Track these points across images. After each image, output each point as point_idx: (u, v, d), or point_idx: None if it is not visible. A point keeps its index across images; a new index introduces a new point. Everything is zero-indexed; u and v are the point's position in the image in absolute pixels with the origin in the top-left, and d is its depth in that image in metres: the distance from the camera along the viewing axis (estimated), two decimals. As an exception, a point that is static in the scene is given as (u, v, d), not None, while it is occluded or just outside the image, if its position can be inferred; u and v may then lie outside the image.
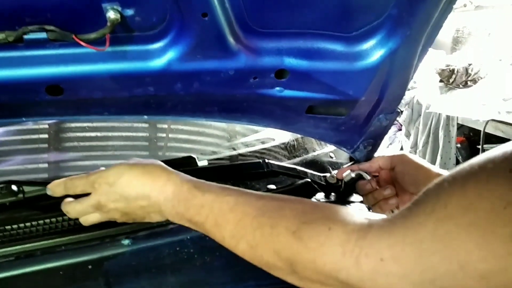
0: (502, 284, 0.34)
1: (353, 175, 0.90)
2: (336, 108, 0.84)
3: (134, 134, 1.44)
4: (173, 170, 0.65)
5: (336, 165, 1.10)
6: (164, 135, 1.45)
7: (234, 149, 1.11)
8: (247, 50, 0.71)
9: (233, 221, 0.55)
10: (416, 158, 0.86)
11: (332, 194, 0.98)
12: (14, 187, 0.74)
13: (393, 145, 3.87)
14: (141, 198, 0.61)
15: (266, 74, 0.75)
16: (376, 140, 0.92)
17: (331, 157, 1.12)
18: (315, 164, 1.08)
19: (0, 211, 0.73)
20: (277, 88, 0.79)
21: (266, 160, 0.93)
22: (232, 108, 0.84)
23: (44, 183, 0.71)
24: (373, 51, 0.73)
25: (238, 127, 1.36)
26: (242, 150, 1.10)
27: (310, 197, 0.96)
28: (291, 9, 0.67)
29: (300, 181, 0.94)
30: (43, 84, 0.65)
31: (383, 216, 0.46)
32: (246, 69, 0.72)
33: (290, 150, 1.16)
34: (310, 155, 1.12)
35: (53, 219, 0.74)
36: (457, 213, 0.36)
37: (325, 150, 1.15)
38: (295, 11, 0.68)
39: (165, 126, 1.43)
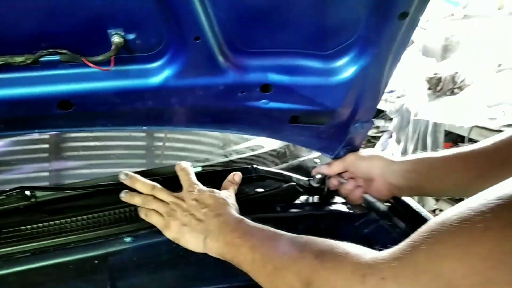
0: None
1: (318, 176, 1.00)
2: (317, 118, 0.93)
3: (132, 143, 1.52)
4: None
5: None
6: (161, 143, 1.52)
7: (226, 156, 1.19)
8: (235, 67, 0.80)
9: (268, 247, 0.65)
10: (364, 152, 0.97)
11: (316, 196, 1.06)
12: (27, 193, 0.82)
13: (385, 151, 3.95)
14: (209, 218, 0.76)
15: (253, 89, 0.84)
16: (354, 146, 1.01)
17: (316, 163, 1.21)
18: (300, 169, 1.17)
19: (15, 214, 0.82)
20: (263, 101, 0.88)
21: (254, 166, 1.02)
22: (223, 119, 0.93)
23: (54, 188, 0.79)
24: (346, 67, 0.82)
25: (231, 136, 1.44)
26: (234, 157, 1.18)
27: (295, 199, 1.04)
28: (274, 31, 0.76)
29: (286, 185, 1.02)
30: (55, 100, 0.74)
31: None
32: (235, 84, 0.81)
33: (278, 156, 1.25)
34: (296, 161, 1.21)
35: (62, 220, 0.82)
36: (451, 245, 0.43)
37: (310, 156, 1.23)
38: (277, 33, 0.77)
39: (162, 135, 1.51)
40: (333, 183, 1.00)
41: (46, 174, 1.39)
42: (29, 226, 0.79)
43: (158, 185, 0.83)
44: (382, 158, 0.93)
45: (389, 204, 1.03)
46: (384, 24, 0.74)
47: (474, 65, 3.18)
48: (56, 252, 0.75)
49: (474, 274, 0.40)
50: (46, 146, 1.44)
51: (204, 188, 0.83)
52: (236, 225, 0.72)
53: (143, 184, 0.81)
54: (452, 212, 0.44)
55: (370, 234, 0.98)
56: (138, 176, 0.82)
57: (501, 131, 2.54)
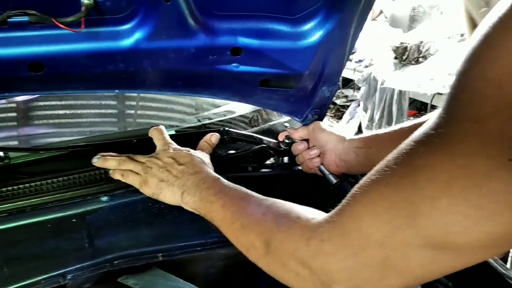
0: (397, 246, 0.46)
1: (286, 140, 1.05)
2: (285, 81, 0.97)
3: (104, 111, 1.51)
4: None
5: (290, 133, 1.23)
6: (133, 111, 1.53)
7: (199, 121, 1.22)
8: (205, 30, 0.81)
9: (237, 207, 0.69)
10: (325, 125, 1.02)
11: (285, 158, 1.11)
12: (0, 154, 0.83)
13: (353, 119, 4.06)
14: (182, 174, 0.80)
15: (223, 52, 0.86)
16: (321, 109, 1.06)
17: (286, 126, 1.26)
18: (271, 132, 1.21)
19: (-12, 176, 0.83)
20: (233, 64, 0.90)
21: (226, 128, 1.05)
22: (195, 83, 0.95)
23: (28, 148, 0.80)
24: (313, 31, 0.85)
25: (203, 102, 1.46)
26: (206, 122, 1.21)
27: (266, 160, 1.09)
28: (243, -5, 0.79)
29: (257, 147, 1.06)
30: (25, 62, 0.74)
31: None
32: (205, 48, 0.83)
33: (250, 121, 1.29)
34: (267, 124, 1.25)
35: (38, 182, 0.83)
36: (364, 202, 0.49)
37: (280, 120, 1.28)
38: (247, -4, 0.79)
39: (134, 103, 1.51)
40: (297, 147, 1.04)
41: (15, 142, 1.38)
42: (3, 188, 0.81)
43: (131, 154, 0.86)
44: (336, 134, 0.98)
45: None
46: (349, -11, 0.78)
47: (439, 35, 3.27)
48: (34, 212, 0.77)
49: (384, 224, 0.46)
50: (14, 114, 1.42)
51: (180, 147, 0.87)
52: (212, 183, 0.76)
53: (117, 157, 0.85)
54: (365, 176, 0.50)
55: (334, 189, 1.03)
56: (109, 154, 0.85)
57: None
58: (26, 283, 0.77)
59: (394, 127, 0.92)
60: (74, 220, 0.79)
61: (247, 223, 0.67)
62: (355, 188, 0.51)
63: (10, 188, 0.81)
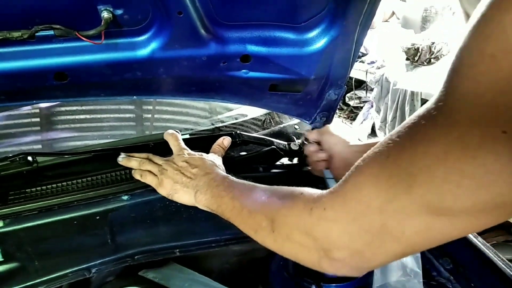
0: (394, 213, 0.49)
1: (305, 142, 1.09)
2: (293, 86, 1.01)
3: (122, 115, 1.58)
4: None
5: (300, 135, 1.28)
6: (149, 115, 1.59)
7: (213, 124, 1.27)
8: (216, 39, 0.87)
9: (245, 196, 0.74)
10: (334, 129, 1.07)
11: (295, 158, 1.16)
12: (29, 158, 0.90)
13: (366, 121, 4.06)
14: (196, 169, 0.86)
15: (233, 59, 0.91)
16: (329, 112, 1.10)
17: (296, 128, 1.30)
18: (281, 134, 1.26)
19: (19, 178, 0.89)
20: (243, 71, 0.95)
21: (238, 132, 1.10)
22: (207, 88, 1.00)
23: (56, 153, 0.87)
24: (318, 38, 0.90)
25: (216, 106, 1.52)
26: (220, 124, 1.26)
27: (276, 161, 1.14)
28: (251, 5, 0.83)
29: (267, 148, 1.11)
30: (51, 72, 0.81)
31: None
32: (216, 55, 0.89)
33: (262, 123, 1.34)
34: (277, 127, 1.30)
35: (64, 183, 0.90)
36: (366, 173, 0.53)
37: (291, 123, 1.32)
38: (254, 6, 0.84)
39: (151, 107, 1.58)
40: (308, 148, 1.08)
41: (39, 146, 1.45)
42: (33, 188, 0.87)
43: (151, 154, 0.92)
44: (342, 139, 1.02)
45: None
46: (351, -2, 0.82)
47: (451, 36, 3.27)
48: (61, 210, 0.83)
49: (383, 192, 0.49)
50: (37, 120, 1.50)
51: (193, 152, 0.92)
52: (222, 181, 0.81)
53: (138, 157, 0.92)
54: (370, 149, 0.54)
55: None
56: (132, 154, 0.93)
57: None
58: (54, 275, 0.84)
59: None
60: (97, 217, 0.85)
61: (254, 207, 0.71)
62: (359, 160, 0.55)
63: (39, 188, 0.88)
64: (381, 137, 1.01)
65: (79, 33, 0.77)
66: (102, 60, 0.83)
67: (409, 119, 0.49)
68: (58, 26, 0.76)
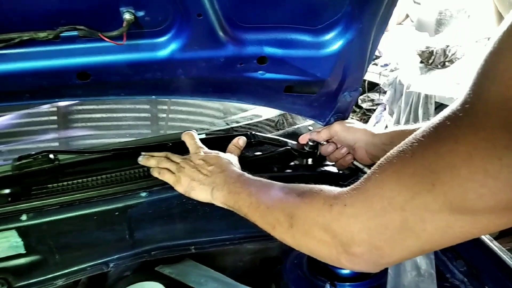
0: (416, 210, 0.50)
1: (310, 142, 1.08)
2: (308, 87, 1.02)
3: (137, 115, 1.61)
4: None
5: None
6: (165, 115, 1.62)
7: (228, 124, 1.29)
8: (234, 41, 0.89)
9: (262, 192, 0.75)
10: (349, 123, 1.06)
11: (309, 159, 1.17)
12: (51, 156, 0.92)
13: (379, 123, 4.05)
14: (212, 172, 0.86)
15: (250, 61, 0.93)
16: (344, 113, 1.11)
17: (310, 130, 1.31)
18: (296, 135, 1.27)
19: (41, 175, 0.92)
20: (260, 72, 0.97)
21: (253, 132, 1.12)
22: (224, 89, 1.02)
23: (76, 151, 0.89)
24: (334, 40, 0.91)
25: (231, 107, 1.54)
26: (235, 125, 1.28)
27: (290, 161, 1.15)
28: (268, 8, 0.85)
29: (281, 149, 1.13)
30: (75, 71, 0.83)
31: None
32: (234, 57, 0.90)
33: (275, 124, 1.35)
34: (292, 128, 1.31)
35: (84, 180, 0.93)
36: (389, 170, 0.54)
37: (304, 124, 1.34)
38: (271, 9, 0.85)
39: (165, 107, 1.60)
40: (326, 150, 1.09)
41: (56, 144, 1.49)
42: (55, 184, 0.90)
43: (169, 153, 0.95)
44: (365, 131, 1.02)
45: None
46: (367, 2, 0.83)
47: (466, 39, 3.25)
48: (82, 205, 0.86)
49: (406, 190, 0.50)
50: (55, 118, 1.54)
51: (209, 150, 0.94)
52: (238, 178, 0.83)
53: (157, 156, 0.94)
54: (393, 148, 0.55)
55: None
56: (151, 153, 0.95)
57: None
58: (74, 269, 0.86)
59: (419, 124, 0.93)
60: (116, 213, 0.88)
61: (271, 203, 0.72)
62: (382, 159, 0.55)
63: (60, 184, 0.91)
64: (403, 126, 0.99)
65: (102, 34, 0.79)
66: (123, 60, 0.85)
67: (434, 120, 0.50)
68: (82, 27, 0.79)
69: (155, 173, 0.91)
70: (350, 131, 1.04)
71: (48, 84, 0.85)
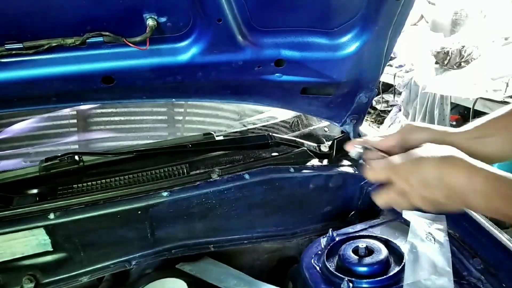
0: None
1: (361, 150, 0.82)
2: (325, 89, 1.04)
3: (154, 117, 1.64)
4: (473, 160, 0.64)
5: (329, 137, 1.30)
6: (181, 117, 1.65)
7: (244, 126, 1.32)
8: (252, 45, 0.91)
9: None
10: (418, 123, 0.83)
11: (325, 160, 1.19)
12: (76, 157, 0.96)
13: (394, 124, 4.04)
14: (444, 188, 0.63)
15: (268, 63, 0.95)
16: (360, 114, 1.12)
17: (325, 131, 1.33)
18: (311, 136, 1.29)
19: (67, 175, 0.96)
20: (277, 74, 0.99)
21: (270, 133, 1.14)
22: (242, 91, 1.04)
23: (101, 153, 0.92)
24: (350, 43, 0.93)
25: (246, 108, 1.56)
26: (251, 126, 1.31)
27: (306, 162, 1.17)
28: (285, 12, 0.87)
29: (297, 150, 1.15)
30: (100, 76, 0.87)
31: None
32: (252, 60, 0.93)
33: (291, 126, 1.37)
34: (308, 129, 1.33)
35: (108, 180, 0.96)
36: None
37: (320, 125, 1.35)
38: (289, 12, 0.88)
39: (182, 110, 1.63)
40: (371, 155, 0.81)
41: (76, 146, 1.53)
42: (80, 184, 0.94)
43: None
44: (438, 131, 0.79)
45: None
46: (383, 4, 0.85)
47: (482, 39, 3.22)
48: (106, 204, 0.89)
49: None
50: (75, 121, 1.58)
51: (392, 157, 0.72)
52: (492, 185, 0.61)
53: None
54: None
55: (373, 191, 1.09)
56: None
57: (505, 102, 2.61)
58: (98, 266, 0.90)
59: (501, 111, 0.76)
60: (139, 212, 0.90)
61: None
62: None
63: (85, 184, 0.94)
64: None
65: (126, 39, 0.82)
66: (146, 65, 0.88)
67: None
68: (107, 33, 0.82)
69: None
70: (423, 130, 0.79)
71: (74, 88, 0.89)
